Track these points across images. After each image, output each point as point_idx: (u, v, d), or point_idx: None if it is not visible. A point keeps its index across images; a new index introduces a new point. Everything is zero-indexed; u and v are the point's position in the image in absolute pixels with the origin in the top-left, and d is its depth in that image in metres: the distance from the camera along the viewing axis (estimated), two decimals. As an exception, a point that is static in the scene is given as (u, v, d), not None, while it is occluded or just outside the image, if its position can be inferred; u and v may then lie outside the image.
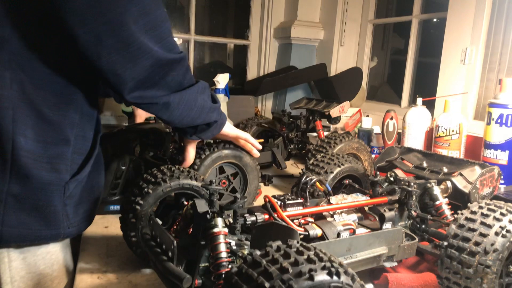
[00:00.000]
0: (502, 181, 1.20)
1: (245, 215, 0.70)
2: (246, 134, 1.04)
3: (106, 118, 2.00)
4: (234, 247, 0.63)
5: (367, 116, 1.87)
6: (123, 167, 1.09)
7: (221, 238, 0.60)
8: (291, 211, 0.75)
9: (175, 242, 0.63)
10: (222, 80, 1.61)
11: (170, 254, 0.64)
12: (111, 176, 1.08)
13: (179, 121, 0.84)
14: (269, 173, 1.42)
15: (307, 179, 0.84)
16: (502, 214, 0.67)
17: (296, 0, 2.53)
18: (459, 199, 0.95)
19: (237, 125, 1.69)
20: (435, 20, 2.19)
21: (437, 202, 0.88)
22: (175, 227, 0.75)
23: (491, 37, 1.68)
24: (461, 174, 0.97)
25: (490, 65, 1.70)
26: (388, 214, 0.79)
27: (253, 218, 0.70)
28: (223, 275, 0.58)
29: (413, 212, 0.83)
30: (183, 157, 0.98)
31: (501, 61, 1.67)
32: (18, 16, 0.70)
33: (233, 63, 3.01)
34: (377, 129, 1.78)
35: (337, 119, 1.50)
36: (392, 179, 0.89)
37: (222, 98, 1.61)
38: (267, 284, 0.41)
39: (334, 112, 1.46)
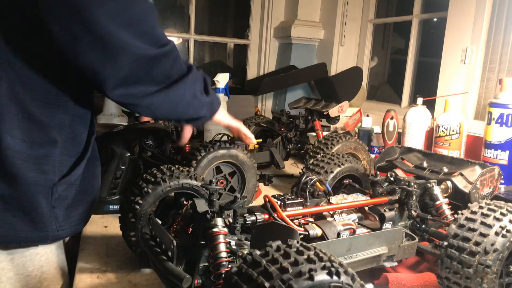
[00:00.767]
0: (502, 181, 1.19)
1: (245, 215, 0.70)
2: (238, 124, 1.01)
3: (106, 118, 2.00)
4: (234, 247, 0.63)
5: (367, 115, 1.87)
6: (123, 167, 1.09)
7: (221, 238, 0.60)
8: (291, 211, 0.75)
9: (174, 242, 0.63)
10: (222, 79, 1.60)
11: (169, 254, 0.64)
12: (110, 176, 1.08)
13: (164, 117, 0.84)
14: (268, 173, 1.42)
15: (307, 179, 0.84)
16: (502, 214, 0.67)
17: (296, -1, 2.53)
18: (459, 199, 0.95)
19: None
20: (435, 19, 2.19)
21: (437, 202, 0.87)
22: (174, 227, 0.75)
23: (491, 37, 1.67)
24: (461, 174, 0.97)
25: (491, 65, 1.70)
26: (388, 214, 0.79)
27: (253, 218, 0.70)
28: (223, 275, 0.58)
29: (413, 212, 0.83)
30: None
31: (501, 61, 1.67)
32: (4, 16, 0.69)
33: (233, 63, 3.01)
34: (377, 129, 1.78)
35: (336, 119, 1.50)
36: (392, 179, 0.89)
37: (222, 97, 1.61)
38: (267, 284, 0.41)
39: (333, 112, 1.46)
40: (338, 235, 0.72)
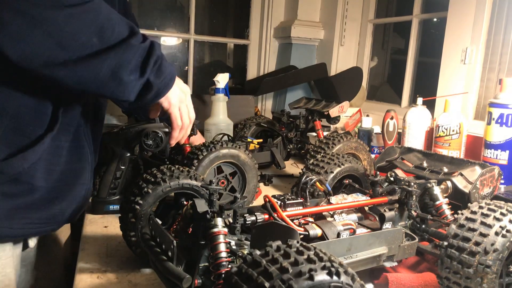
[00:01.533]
0: (502, 181, 1.19)
1: (245, 215, 0.70)
2: (189, 123, 0.93)
3: (106, 118, 2.00)
4: (234, 247, 0.63)
5: (367, 116, 1.87)
6: (123, 167, 1.09)
7: (221, 238, 0.60)
8: (291, 211, 0.75)
9: (174, 242, 0.63)
10: (222, 79, 1.60)
11: (169, 254, 0.64)
12: (110, 176, 1.08)
13: (74, 90, 0.73)
14: (268, 173, 1.42)
15: (307, 179, 0.84)
16: (502, 214, 0.67)
17: (296, -1, 2.53)
18: (459, 199, 0.95)
19: (236, 125, 1.69)
20: (435, 20, 2.19)
21: (437, 202, 0.88)
22: (174, 227, 0.75)
23: (491, 37, 1.67)
24: (461, 174, 0.97)
25: (491, 65, 1.70)
26: (388, 214, 0.79)
27: (253, 218, 0.70)
28: (223, 275, 0.58)
29: (413, 212, 0.83)
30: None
31: (501, 61, 1.67)
32: None
33: (233, 63, 3.01)
34: (377, 129, 1.78)
35: (336, 119, 1.50)
36: (392, 179, 0.89)
37: (222, 97, 1.61)
38: (267, 284, 0.41)
39: (333, 112, 1.46)
40: (338, 235, 0.72)
